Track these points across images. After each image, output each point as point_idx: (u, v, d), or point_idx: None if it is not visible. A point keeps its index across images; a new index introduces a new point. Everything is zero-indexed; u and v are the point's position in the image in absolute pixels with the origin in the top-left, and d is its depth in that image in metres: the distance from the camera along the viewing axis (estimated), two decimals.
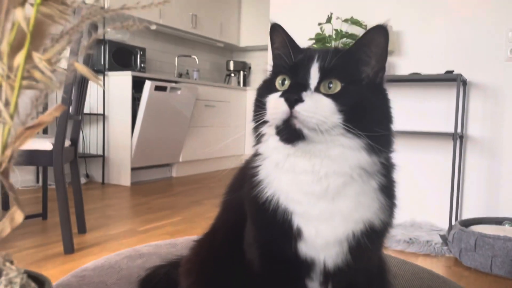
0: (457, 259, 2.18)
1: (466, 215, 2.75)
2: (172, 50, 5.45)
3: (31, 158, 2.06)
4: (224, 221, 0.73)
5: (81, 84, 2.44)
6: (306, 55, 0.61)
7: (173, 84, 4.12)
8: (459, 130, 2.68)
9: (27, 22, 0.27)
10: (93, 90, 3.98)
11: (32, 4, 0.28)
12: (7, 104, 0.27)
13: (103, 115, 4.04)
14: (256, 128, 0.61)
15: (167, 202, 3.39)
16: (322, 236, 0.59)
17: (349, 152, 0.58)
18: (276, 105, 0.57)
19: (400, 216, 2.64)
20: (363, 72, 0.63)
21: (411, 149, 2.95)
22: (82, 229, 2.38)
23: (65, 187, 2.04)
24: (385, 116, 0.63)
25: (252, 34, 6.02)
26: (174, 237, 1.99)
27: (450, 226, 2.47)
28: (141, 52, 4.50)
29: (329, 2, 3.14)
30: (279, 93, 0.58)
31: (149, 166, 4.35)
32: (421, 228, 2.78)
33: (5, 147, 0.27)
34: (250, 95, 5.51)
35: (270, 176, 0.61)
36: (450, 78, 2.61)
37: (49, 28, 0.31)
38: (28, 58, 0.29)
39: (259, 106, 0.60)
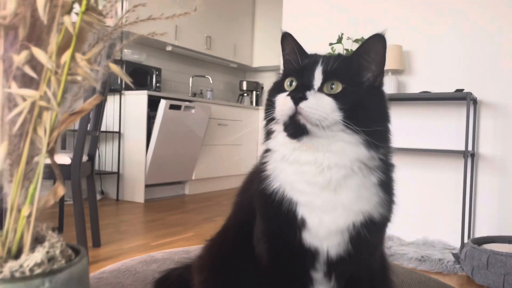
0: (469, 277, 2.17)
1: (479, 233, 2.73)
2: (187, 71, 5.58)
3: (50, 172, 2.13)
4: (234, 220, 0.78)
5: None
6: (311, 60, 0.67)
7: (187, 103, 4.21)
8: (470, 148, 2.69)
9: (73, 27, 0.33)
10: (110, 109, 4.09)
11: (76, 13, 0.34)
12: (54, 94, 0.33)
13: (119, 132, 4.14)
14: (266, 126, 0.66)
15: (179, 219, 3.43)
16: (325, 226, 0.63)
17: (349, 147, 0.63)
18: (283, 103, 0.63)
19: (413, 234, 2.65)
20: (364, 76, 0.68)
21: (423, 168, 2.95)
22: (96, 243, 2.43)
23: (82, 200, 2.10)
24: (382, 114, 0.67)
25: (264, 55, 6.14)
26: None
27: (462, 244, 2.45)
28: (157, 72, 4.63)
29: (340, 23, 3.21)
30: (287, 93, 0.64)
31: (163, 183, 4.41)
32: (433, 246, 2.76)
33: (52, 130, 0.33)
34: (262, 114, 5.57)
35: (277, 169, 0.67)
36: (460, 97, 2.64)
37: (87, 34, 0.37)
38: (72, 57, 0.34)
39: (270, 105, 0.66)
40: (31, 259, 0.31)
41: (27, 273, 0.30)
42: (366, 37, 2.49)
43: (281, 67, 0.73)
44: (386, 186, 0.67)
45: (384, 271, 0.77)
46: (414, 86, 3.02)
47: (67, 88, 0.34)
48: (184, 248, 1.12)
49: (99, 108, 2.53)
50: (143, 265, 1.05)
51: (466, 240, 2.50)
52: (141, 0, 0.43)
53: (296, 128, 0.62)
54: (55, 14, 0.33)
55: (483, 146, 2.77)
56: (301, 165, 0.64)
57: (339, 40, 3.03)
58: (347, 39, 3.10)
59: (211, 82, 5.63)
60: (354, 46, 3.13)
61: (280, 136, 0.66)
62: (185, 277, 0.88)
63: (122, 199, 4.16)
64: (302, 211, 0.64)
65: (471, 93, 2.54)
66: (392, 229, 3.12)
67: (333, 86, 0.64)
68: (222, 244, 0.79)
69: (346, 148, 0.63)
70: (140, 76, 4.44)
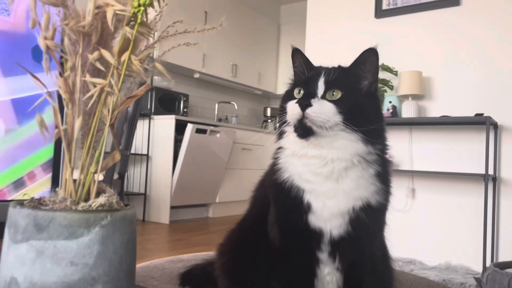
0: None
1: (502, 258, 2.70)
2: (213, 97, 5.79)
3: None
4: (251, 212, 0.89)
5: (131, 122, 2.70)
6: (316, 71, 0.80)
7: (213, 128, 4.37)
8: (491, 171, 2.70)
9: (131, 35, 0.45)
10: (139, 132, 4.28)
11: (133, 26, 0.46)
12: (116, 83, 0.44)
13: (147, 155, 4.31)
14: (279, 127, 0.77)
15: (203, 239, 3.52)
16: (328, 209, 0.73)
17: (349, 143, 0.73)
18: (293, 109, 0.75)
19: (435, 258, 2.65)
20: (361, 84, 0.79)
21: (445, 191, 2.97)
22: None
23: None
24: (377, 115, 0.78)
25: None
26: None
27: (484, 269, 2.44)
28: (185, 98, 4.83)
29: (361, 50, 3.32)
30: (296, 100, 0.76)
31: (187, 205, 4.52)
32: (456, 271, 2.74)
33: (114, 109, 0.44)
34: None
35: (287, 162, 0.78)
36: (479, 121, 2.68)
37: (140, 41, 0.49)
38: (129, 58, 0.46)
39: (282, 110, 0.78)
40: (97, 201, 0.42)
41: (94, 209, 0.40)
42: (386, 63, 2.61)
43: (292, 77, 0.84)
44: (383, 177, 0.77)
45: (385, 259, 0.84)
46: (434, 111, 3.08)
47: (124, 80, 0.45)
48: (208, 252, 1.21)
49: (131, 130, 2.69)
50: (170, 263, 1.15)
51: (488, 265, 2.48)
52: (177, 18, 0.55)
53: (304, 130, 0.73)
54: (118, 25, 0.45)
55: (505, 170, 2.77)
56: (308, 158, 0.74)
57: None
58: None
59: (236, 108, 5.81)
60: None
61: (291, 136, 0.78)
62: (208, 270, 0.97)
63: (148, 220, 4.29)
64: (308, 197, 0.74)
65: (491, 117, 2.58)
66: (414, 253, 3.12)
67: (334, 93, 0.75)
68: (240, 232, 0.89)
69: (346, 144, 0.73)
70: (169, 102, 4.64)
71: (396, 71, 3.18)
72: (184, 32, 0.53)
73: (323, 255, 0.76)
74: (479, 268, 2.66)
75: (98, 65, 0.43)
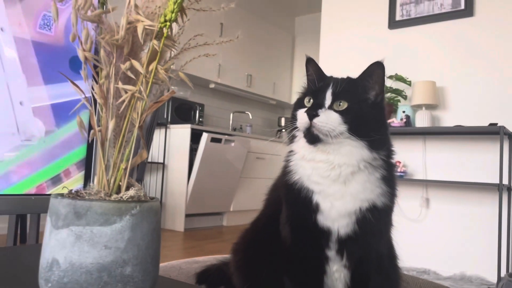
0: None
1: None
2: (228, 107, 5.87)
3: None
4: (264, 213, 0.94)
5: (149, 131, 2.79)
6: (325, 82, 0.85)
7: (228, 137, 4.44)
8: (505, 181, 2.69)
9: (158, 47, 0.51)
10: (156, 141, 4.38)
11: (159, 39, 0.52)
12: (144, 90, 0.50)
13: (163, 163, 4.39)
14: (290, 132, 0.82)
15: (217, 247, 3.56)
16: (336, 209, 0.77)
17: (354, 149, 0.77)
18: (302, 117, 0.80)
19: (450, 268, 2.64)
20: (368, 94, 0.83)
21: (459, 201, 2.96)
22: None
23: None
24: (381, 125, 0.83)
25: None
26: None
27: (499, 279, 2.42)
28: (200, 108, 4.92)
29: (375, 59, 3.35)
30: (305, 109, 0.81)
31: (202, 213, 4.58)
32: (471, 282, 2.72)
33: (142, 113, 0.50)
34: None
35: (297, 165, 0.83)
36: (493, 131, 2.68)
37: (165, 53, 0.54)
38: (155, 68, 0.52)
39: (293, 117, 0.83)
40: (127, 194, 0.47)
41: (125, 200, 0.46)
42: (400, 73, 2.64)
43: (305, 85, 0.90)
44: (388, 180, 0.81)
45: (391, 258, 0.88)
46: (448, 121, 3.09)
47: (151, 87, 0.51)
48: (223, 255, 1.26)
49: (148, 139, 2.78)
50: (186, 264, 1.20)
51: (503, 275, 2.46)
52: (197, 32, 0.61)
53: (311, 137, 0.78)
54: (146, 39, 0.51)
55: None
56: (316, 162, 0.79)
57: None
58: None
59: (250, 117, 5.88)
60: (388, 82, 3.26)
61: (301, 141, 0.83)
62: (223, 270, 1.02)
63: (164, 227, 4.35)
64: (316, 198, 0.79)
65: (505, 127, 2.58)
66: (429, 263, 3.10)
67: (340, 104, 0.79)
68: (253, 231, 0.94)
69: (352, 151, 0.77)
70: (185, 111, 4.74)
71: (410, 81, 3.20)
72: (204, 44, 0.59)
73: (331, 253, 0.80)
74: (493, 279, 2.64)
75: (129, 74, 0.49)
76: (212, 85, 5.27)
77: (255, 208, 4.25)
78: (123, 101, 0.49)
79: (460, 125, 2.86)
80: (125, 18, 0.48)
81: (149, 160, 4.38)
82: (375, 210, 0.77)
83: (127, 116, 0.50)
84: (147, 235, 0.47)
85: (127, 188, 0.49)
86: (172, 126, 4.42)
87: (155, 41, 0.50)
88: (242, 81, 5.59)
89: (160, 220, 0.50)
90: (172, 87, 0.56)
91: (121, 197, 0.47)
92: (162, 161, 4.40)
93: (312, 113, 0.77)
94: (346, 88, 0.80)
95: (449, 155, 3.02)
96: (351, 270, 0.81)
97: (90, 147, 0.72)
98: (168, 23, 0.50)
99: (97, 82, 0.50)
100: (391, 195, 0.80)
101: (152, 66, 0.50)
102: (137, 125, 0.50)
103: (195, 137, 4.27)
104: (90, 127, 0.50)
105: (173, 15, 0.50)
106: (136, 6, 0.49)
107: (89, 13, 0.49)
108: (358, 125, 0.77)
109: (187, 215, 4.29)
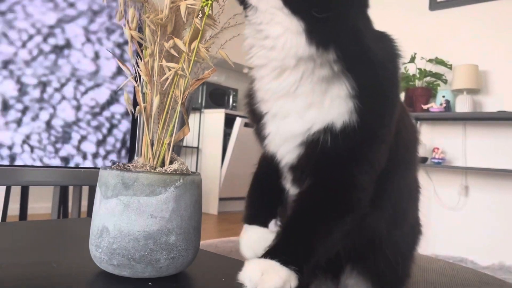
0: None
1: None
2: None
3: None
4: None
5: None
6: None
7: None
8: None
9: (200, 26, 0.52)
10: (190, 125, 4.45)
11: (201, 18, 0.53)
12: (187, 67, 0.51)
13: (197, 148, 4.47)
14: None
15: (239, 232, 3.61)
16: (280, 133, 0.59)
17: (286, 34, 0.52)
18: None
19: (488, 258, 2.58)
20: None
21: (499, 189, 2.86)
22: None
23: None
24: None
25: None
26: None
27: None
28: (234, 93, 4.95)
29: (414, 43, 3.26)
30: None
31: (235, 197, 4.64)
32: (510, 272, 2.65)
33: (185, 90, 0.51)
34: None
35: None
36: None
37: (206, 31, 0.56)
38: (197, 46, 0.53)
39: None
40: (171, 167, 0.49)
41: (169, 173, 0.48)
42: (440, 57, 2.56)
43: None
44: (363, 93, 0.55)
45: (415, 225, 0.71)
46: (490, 105, 2.97)
47: (193, 65, 0.52)
48: None
49: (183, 123, 2.83)
50: (222, 243, 1.23)
51: None
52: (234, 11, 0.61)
53: None
54: (188, 18, 0.52)
55: None
56: (256, 50, 0.59)
57: (412, 60, 3.08)
58: (421, 58, 3.15)
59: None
60: (428, 66, 3.16)
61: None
62: None
63: None
64: (265, 119, 0.62)
65: None
66: (466, 252, 3.03)
67: None
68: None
69: (284, 36, 0.52)
70: (219, 96, 4.78)
71: (451, 65, 3.09)
72: (243, 23, 0.59)
73: (288, 184, 0.65)
74: None
75: (173, 51, 0.51)
76: (245, 70, 5.26)
77: None
78: (167, 78, 0.50)
79: (503, 111, 2.75)
80: None
81: (184, 144, 4.47)
82: (332, 131, 0.54)
83: (170, 93, 0.52)
84: (189, 207, 0.49)
85: (171, 162, 0.51)
86: (206, 110, 4.48)
87: (196, 20, 0.51)
88: None
89: (201, 194, 0.52)
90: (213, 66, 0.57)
91: (166, 170, 0.49)
92: (196, 145, 4.48)
93: None
94: None
95: (490, 141, 2.91)
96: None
97: (134, 123, 0.76)
98: (210, 2, 0.51)
99: (141, 60, 0.52)
100: (370, 112, 0.55)
101: (194, 44, 0.52)
102: (180, 102, 0.51)
103: (229, 122, 4.31)
104: (135, 104, 0.52)
105: None
106: None
107: None
108: None
109: (220, 199, 4.37)
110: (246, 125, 4.25)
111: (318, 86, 0.55)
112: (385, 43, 0.63)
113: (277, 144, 0.61)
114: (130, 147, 0.73)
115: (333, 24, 0.51)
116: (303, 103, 0.56)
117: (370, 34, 0.58)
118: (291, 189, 0.65)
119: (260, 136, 0.65)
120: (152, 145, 0.51)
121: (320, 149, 0.55)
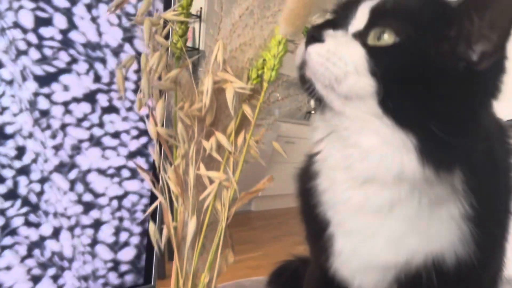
0: None
1: None
2: None
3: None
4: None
5: None
6: None
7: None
8: None
9: (251, 116, 0.38)
10: None
11: (252, 103, 0.39)
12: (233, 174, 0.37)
13: None
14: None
15: (247, 236, 3.48)
16: (359, 256, 0.44)
17: (386, 146, 0.39)
18: (299, 50, 0.41)
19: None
20: (466, 48, 0.38)
21: None
22: (171, 257, 2.54)
23: None
24: (466, 116, 0.38)
25: None
26: (255, 272, 2.00)
27: None
28: None
29: None
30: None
31: None
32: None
33: (230, 206, 0.38)
34: None
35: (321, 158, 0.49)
36: None
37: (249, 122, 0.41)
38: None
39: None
40: None
41: None
42: None
43: None
44: (480, 217, 0.41)
45: None
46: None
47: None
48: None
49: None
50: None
51: None
52: None
53: (308, 91, 0.43)
54: (236, 104, 0.38)
55: None
56: (327, 158, 0.46)
57: None
58: None
59: (279, 98, 5.71)
60: None
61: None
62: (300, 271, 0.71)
63: None
64: (333, 233, 0.46)
65: None
66: None
67: (383, 36, 0.37)
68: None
69: (383, 148, 0.38)
70: None
71: None
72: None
73: None
74: None
75: (215, 154, 0.36)
76: None
77: (284, 193, 4.14)
78: (209, 193, 0.36)
79: None
80: (210, 79, 0.35)
81: None
82: (441, 267, 0.41)
83: (210, 208, 0.37)
84: None
85: None
86: None
87: (246, 107, 0.37)
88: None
89: None
90: None
91: None
92: None
93: (311, 35, 0.39)
94: (410, 8, 0.38)
95: None
96: None
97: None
98: (265, 85, 0.37)
99: (171, 164, 0.37)
100: (487, 240, 0.41)
101: (240, 138, 0.37)
102: (224, 222, 0.37)
103: None
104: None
105: (273, 73, 0.36)
106: (224, 60, 0.35)
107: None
108: (404, 88, 0.37)
109: None
110: None
111: (426, 208, 0.40)
112: (501, 139, 0.46)
113: (353, 270, 0.45)
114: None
115: (461, 140, 0.37)
116: (400, 226, 0.41)
117: (496, 135, 0.44)
118: None
119: (321, 248, 0.48)
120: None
121: None
